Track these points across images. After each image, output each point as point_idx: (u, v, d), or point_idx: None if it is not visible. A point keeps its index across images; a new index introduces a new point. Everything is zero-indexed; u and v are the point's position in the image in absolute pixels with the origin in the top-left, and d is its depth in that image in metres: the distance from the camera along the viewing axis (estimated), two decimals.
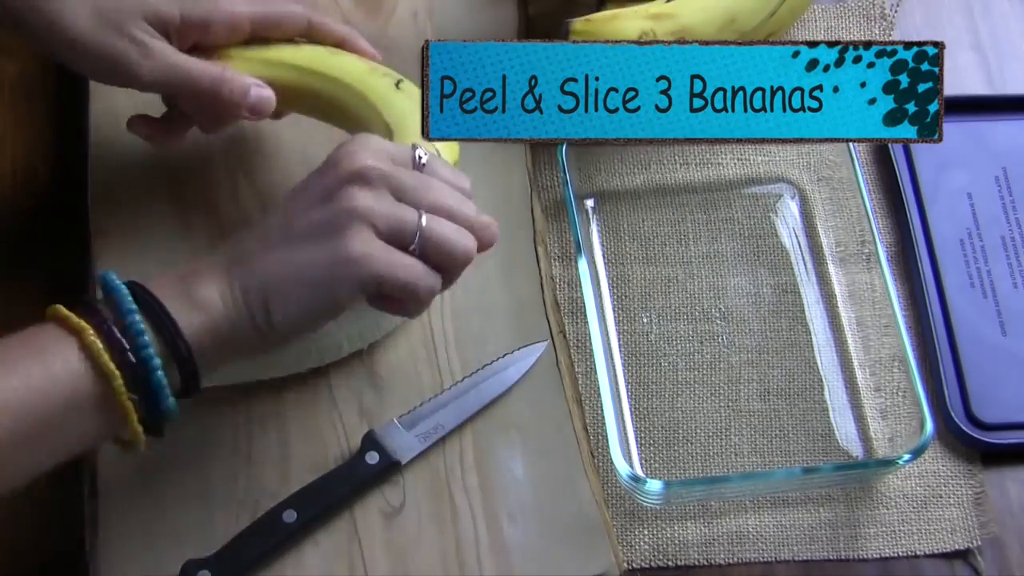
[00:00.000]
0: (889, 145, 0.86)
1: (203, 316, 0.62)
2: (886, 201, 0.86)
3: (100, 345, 0.59)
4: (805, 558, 0.74)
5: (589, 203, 0.85)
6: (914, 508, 0.76)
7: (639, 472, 0.74)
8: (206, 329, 0.62)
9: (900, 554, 0.75)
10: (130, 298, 0.61)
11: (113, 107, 0.84)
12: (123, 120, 0.83)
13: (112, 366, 0.59)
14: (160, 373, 0.60)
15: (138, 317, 0.60)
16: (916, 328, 0.81)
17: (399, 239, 0.63)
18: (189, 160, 0.82)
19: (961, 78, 0.92)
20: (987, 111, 0.89)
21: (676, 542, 0.74)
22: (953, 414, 0.77)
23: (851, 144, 0.81)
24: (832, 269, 0.83)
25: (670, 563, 0.74)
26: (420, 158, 0.65)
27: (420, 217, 0.63)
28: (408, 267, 0.63)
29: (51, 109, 0.86)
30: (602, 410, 0.74)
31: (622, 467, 0.71)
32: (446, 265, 0.65)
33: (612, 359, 0.79)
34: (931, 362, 0.80)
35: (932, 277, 0.82)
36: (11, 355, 0.59)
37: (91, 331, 0.59)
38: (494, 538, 0.71)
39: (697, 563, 0.74)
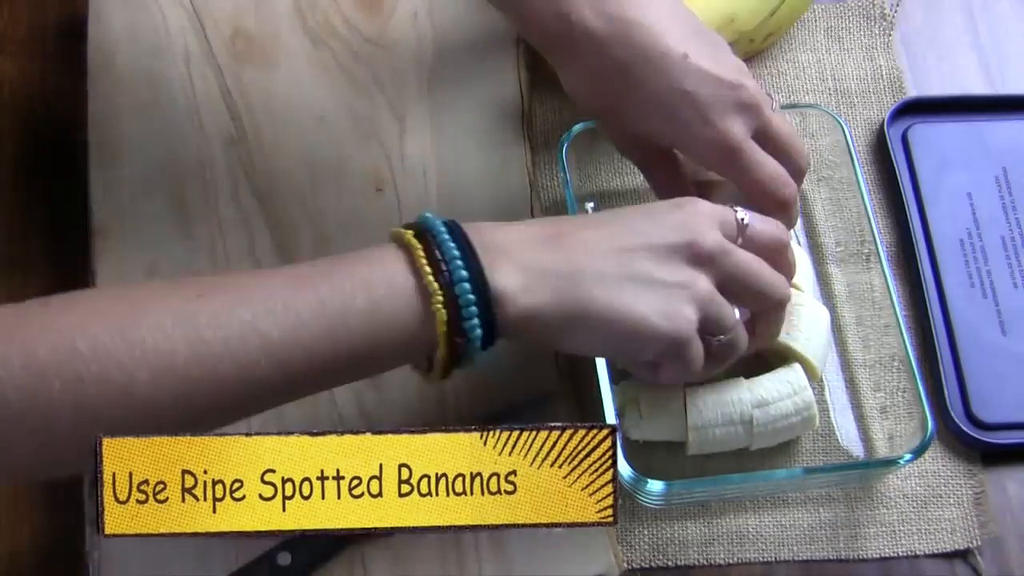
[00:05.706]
0: (889, 145, 0.86)
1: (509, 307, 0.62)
2: (886, 201, 0.86)
3: (427, 267, 0.61)
4: (805, 558, 0.74)
5: (589, 204, 0.85)
6: (914, 508, 0.76)
7: (639, 472, 0.74)
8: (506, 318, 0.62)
9: (900, 554, 0.75)
10: (454, 247, 0.61)
11: (113, 106, 0.84)
12: (123, 119, 0.83)
13: (435, 283, 0.60)
14: (472, 308, 0.61)
15: (459, 263, 0.61)
16: (916, 328, 0.81)
17: (710, 330, 0.67)
18: (189, 160, 0.83)
19: (961, 78, 0.92)
20: (987, 111, 0.89)
21: (676, 542, 0.74)
22: (953, 414, 0.77)
23: (851, 144, 0.81)
24: (832, 269, 0.83)
25: (670, 563, 0.74)
26: (742, 221, 0.69)
27: (735, 326, 0.68)
28: (697, 359, 0.67)
29: (51, 110, 0.86)
30: (602, 410, 0.74)
31: (622, 467, 0.71)
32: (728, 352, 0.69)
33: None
34: (931, 362, 0.80)
35: (932, 277, 0.82)
36: (345, 262, 0.62)
37: (422, 251, 0.61)
38: (494, 538, 0.71)
39: (697, 563, 0.74)
